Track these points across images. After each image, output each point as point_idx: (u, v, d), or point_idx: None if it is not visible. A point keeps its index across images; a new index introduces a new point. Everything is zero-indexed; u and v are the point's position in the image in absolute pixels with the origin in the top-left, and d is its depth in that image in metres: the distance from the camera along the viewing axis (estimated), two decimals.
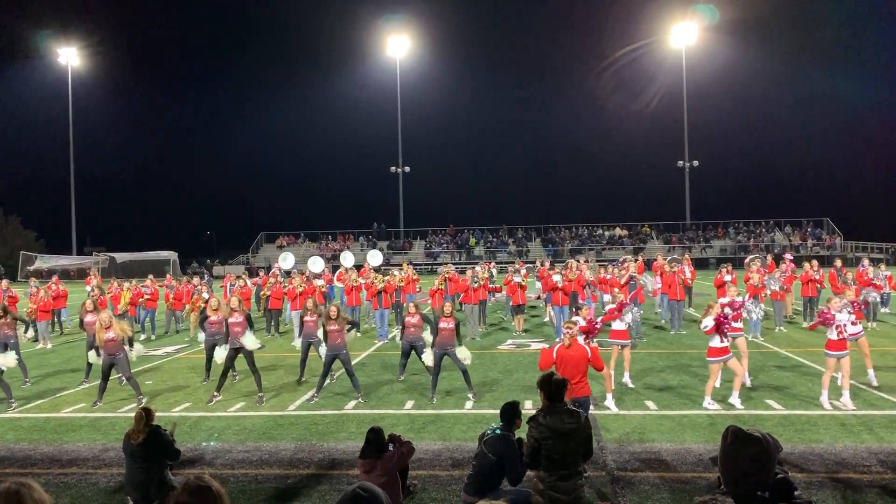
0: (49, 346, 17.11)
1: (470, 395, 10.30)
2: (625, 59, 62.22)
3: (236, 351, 10.66)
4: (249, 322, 10.87)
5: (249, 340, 10.64)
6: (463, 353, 10.31)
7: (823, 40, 67.39)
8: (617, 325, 10.73)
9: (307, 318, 11.48)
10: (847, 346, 9.51)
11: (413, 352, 11.16)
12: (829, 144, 68.53)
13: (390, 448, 6.13)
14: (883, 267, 19.06)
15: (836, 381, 9.82)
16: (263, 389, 10.80)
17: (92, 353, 10.93)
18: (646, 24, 60.64)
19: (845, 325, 9.54)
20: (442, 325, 10.31)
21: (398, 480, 6.03)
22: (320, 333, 10.96)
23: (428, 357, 10.53)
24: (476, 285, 17.00)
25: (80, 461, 7.96)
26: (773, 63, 68.89)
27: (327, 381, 11.64)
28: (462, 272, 19.58)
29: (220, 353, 10.80)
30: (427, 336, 10.84)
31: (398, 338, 11.54)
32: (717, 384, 10.51)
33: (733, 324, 9.77)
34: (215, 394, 10.63)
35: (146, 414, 6.25)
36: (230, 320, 10.70)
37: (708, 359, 9.67)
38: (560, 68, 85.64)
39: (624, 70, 64.23)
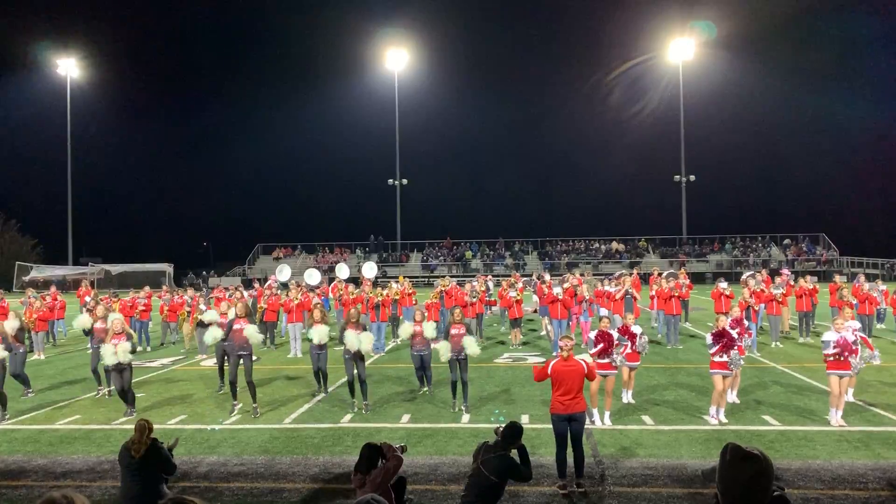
0: (42, 356, 17.02)
1: (463, 408, 10.29)
2: (622, 75, 62.40)
3: (239, 357, 10.62)
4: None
5: (251, 331, 10.66)
6: (470, 347, 10.32)
7: (821, 57, 67.67)
8: (602, 358, 10.55)
9: None
10: (849, 366, 9.33)
11: (421, 361, 11.23)
12: (825, 160, 68.58)
13: (381, 462, 6.09)
14: (879, 282, 19.13)
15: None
16: (259, 403, 10.76)
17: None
18: (643, 39, 60.84)
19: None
20: (453, 331, 10.52)
21: (391, 494, 5.99)
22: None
23: (445, 353, 10.45)
24: (474, 300, 17.34)
25: (75, 473, 7.93)
26: (771, 79, 69.12)
27: (323, 394, 11.63)
28: (462, 285, 19.61)
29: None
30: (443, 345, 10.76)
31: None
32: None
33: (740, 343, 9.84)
34: (234, 402, 10.71)
35: (148, 425, 6.23)
36: (235, 327, 10.67)
37: (711, 371, 9.64)
38: (557, 82, 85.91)
39: (621, 85, 64.34)
